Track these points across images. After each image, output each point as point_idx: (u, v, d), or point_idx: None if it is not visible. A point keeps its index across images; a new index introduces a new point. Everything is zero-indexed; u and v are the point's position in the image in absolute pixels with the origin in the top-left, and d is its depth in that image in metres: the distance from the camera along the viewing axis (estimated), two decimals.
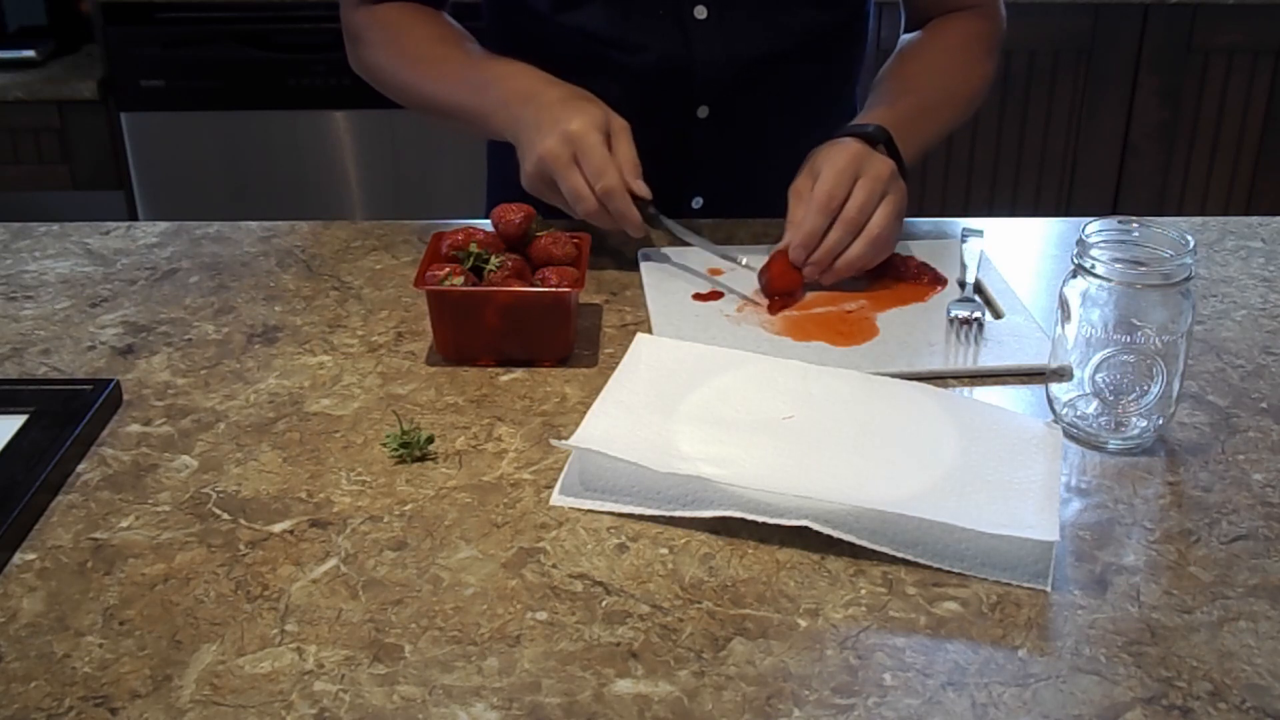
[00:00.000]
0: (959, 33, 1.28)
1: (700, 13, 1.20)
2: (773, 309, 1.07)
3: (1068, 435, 0.90)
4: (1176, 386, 0.88)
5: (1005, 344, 1.02)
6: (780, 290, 1.08)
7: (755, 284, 1.10)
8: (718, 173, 1.28)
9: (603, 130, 1.09)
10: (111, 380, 0.94)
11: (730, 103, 1.25)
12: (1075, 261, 0.87)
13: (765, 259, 1.10)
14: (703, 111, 1.25)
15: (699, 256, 1.15)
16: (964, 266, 1.11)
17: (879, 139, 1.12)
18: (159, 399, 0.95)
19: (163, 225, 1.26)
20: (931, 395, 0.92)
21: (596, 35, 1.21)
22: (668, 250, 1.17)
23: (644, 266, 1.15)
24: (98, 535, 0.80)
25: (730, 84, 1.23)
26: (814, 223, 1.08)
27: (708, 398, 0.91)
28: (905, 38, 1.32)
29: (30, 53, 2.60)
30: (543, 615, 0.73)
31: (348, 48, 1.31)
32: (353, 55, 1.30)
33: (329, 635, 0.71)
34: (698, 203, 1.29)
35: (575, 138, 1.07)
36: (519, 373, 0.98)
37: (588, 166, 1.07)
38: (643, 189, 1.09)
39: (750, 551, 0.78)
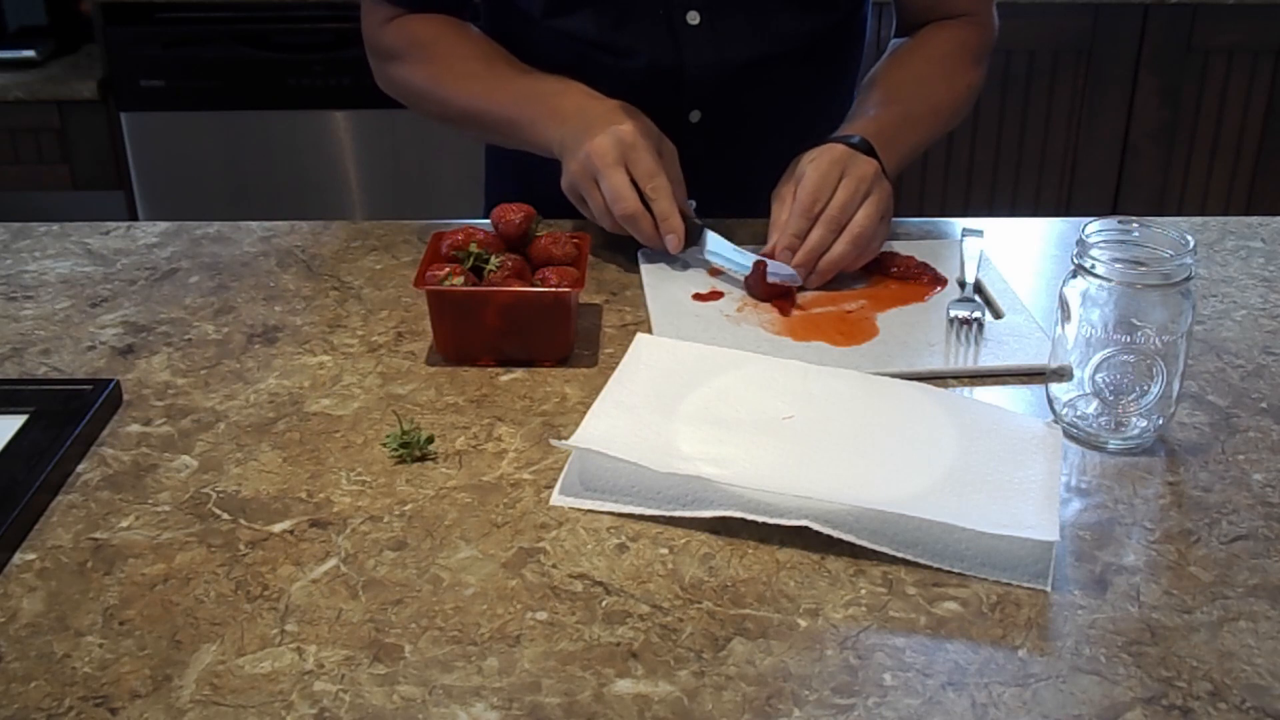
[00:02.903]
0: (947, 41, 1.28)
1: (693, 18, 1.20)
2: (784, 310, 1.07)
3: (1068, 435, 0.90)
4: (1176, 386, 0.88)
5: (1005, 344, 1.02)
6: (775, 294, 1.08)
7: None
8: (712, 177, 1.28)
9: (654, 141, 1.10)
10: (111, 380, 0.94)
11: (722, 107, 1.25)
12: (1075, 261, 0.87)
13: (750, 266, 1.10)
14: (695, 116, 1.25)
15: (699, 256, 1.15)
16: (964, 266, 1.11)
17: (861, 150, 1.13)
18: (159, 399, 0.95)
19: (163, 225, 1.26)
20: (931, 395, 0.92)
21: (587, 39, 1.21)
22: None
23: (644, 266, 1.15)
24: (98, 535, 0.80)
25: (722, 88, 1.23)
26: (797, 225, 1.08)
27: (708, 398, 0.91)
28: (895, 42, 1.31)
29: (30, 53, 2.60)
30: (543, 615, 0.73)
31: (373, 65, 1.29)
32: (380, 72, 1.29)
33: (329, 635, 0.71)
34: (691, 206, 1.29)
35: (626, 138, 1.08)
36: (519, 373, 0.98)
37: (638, 167, 1.08)
38: (688, 209, 1.12)
39: (750, 551, 0.78)
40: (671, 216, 1.09)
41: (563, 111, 1.15)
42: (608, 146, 1.08)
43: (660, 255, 1.16)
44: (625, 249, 1.17)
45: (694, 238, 1.12)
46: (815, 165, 1.09)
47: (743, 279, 1.11)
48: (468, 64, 1.24)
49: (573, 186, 1.12)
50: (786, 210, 1.10)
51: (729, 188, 1.28)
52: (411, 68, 1.26)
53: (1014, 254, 1.20)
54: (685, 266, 1.14)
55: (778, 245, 1.09)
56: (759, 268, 1.09)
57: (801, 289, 1.10)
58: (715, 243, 1.13)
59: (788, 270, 1.08)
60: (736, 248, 1.13)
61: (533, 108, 1.18)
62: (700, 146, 1.26)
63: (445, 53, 1.25)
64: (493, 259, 1.01)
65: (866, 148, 1.13)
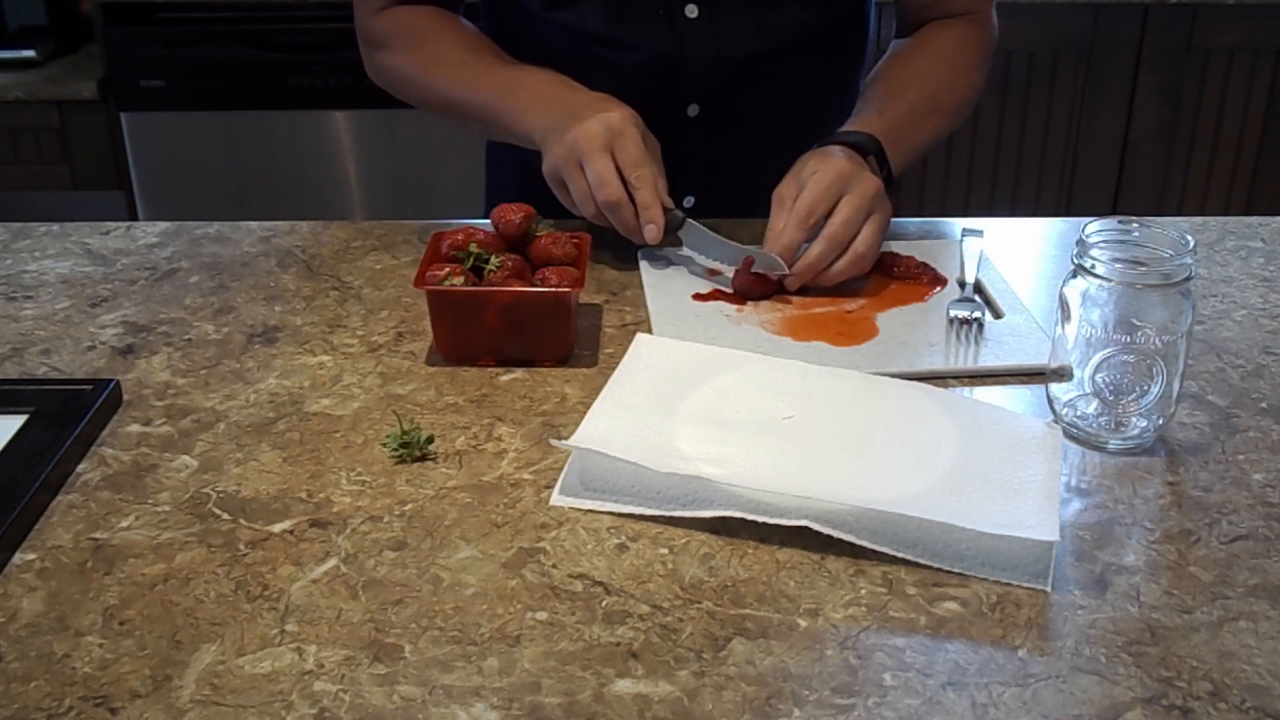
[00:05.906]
0: (950, 40, 1.27)
1: (691, 11, 1.20)
2: (740, 302, 1.08)
3: (1068, 435, 0.90)
4: (1176, 386, 0.88)
5: (1005, 344, 1.02)
6: (754, 296, 1.08)
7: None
8: (710, 172, 1.28)
9: (641, 130, 1.09)
10: (111, 380, 0.94)
11: (721, 101, 1.25)
12: (1075, 261, 0.87)
13: (743, 260, 1.10)
14: (694, 110, 1.25)
15: (680, 253, 1.15)
16: (964, 266, 1.11)
17: (869, 149, 1.12)
18: (159, 399, 0.95)
19: (163, 225, 1.26)
20: (931, 395, 0.92)
21: (586, 33, 1.21)
22: (668, 250, 1.17)
23: (644, 266, 1.15)
24: (98, 535, 0.80)
25: (721, 83, 1.23)
26: (792, 236, 1.07)
27: (708, 398, 0.91)
28: (896, 43, 1.31)
29: (30, 53, 2.60)
30: (543, 615, 0.73)
31: (364, 53, 1.30)
32: (369, 61, 1.30)
33: (329, 635, 0.71)
34: (689, 202, 1.29)
35: (614, 125, 1.08)
36: (519, 373, 0.98)
37: (623, 155, 1.07)
38: (668, 201, 1.11)
39: (750, 551, 0.78)
40: (652, 207, 1.08)
41: (546, 100, 1.15)
42: (596, 132, 1.07)
43: (660, 255, 1.16)
44: (625, 249, 1.17)
45: (674, 225, 1.12)
46: (818, 178, 1.08)
47: (730, 277, 1.11)
48: (454, 52, 1.24)
49: (555, 171, 1.11)
50: (785, 215, 1.09)
51: (728, 183, 1.28)
52: (399, 55, 1.27)
53: (1014, 254, 1.20)
54: (685, 266, 1.14)
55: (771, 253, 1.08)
56: (746, 264, 1.09)
57: (784, 291, 1.09)
58: (696, 235, 1.12)
59: (770, 258, 1.08)
60: (722, 240, 1.12)
61: (515, 96, 1.18)
62: (699, 141, 1.26)
63: (432, 40, 1.25)
64: (493, 259, 1.01)
65: (874, 147, 1.12)
